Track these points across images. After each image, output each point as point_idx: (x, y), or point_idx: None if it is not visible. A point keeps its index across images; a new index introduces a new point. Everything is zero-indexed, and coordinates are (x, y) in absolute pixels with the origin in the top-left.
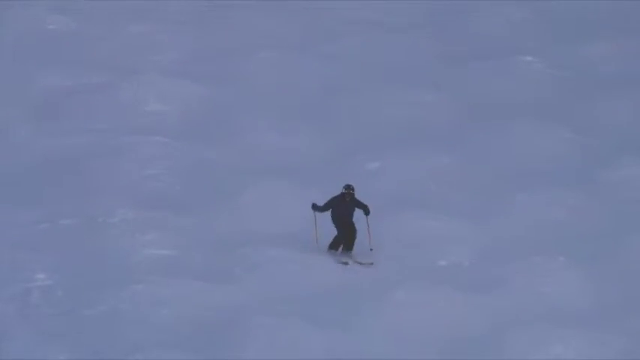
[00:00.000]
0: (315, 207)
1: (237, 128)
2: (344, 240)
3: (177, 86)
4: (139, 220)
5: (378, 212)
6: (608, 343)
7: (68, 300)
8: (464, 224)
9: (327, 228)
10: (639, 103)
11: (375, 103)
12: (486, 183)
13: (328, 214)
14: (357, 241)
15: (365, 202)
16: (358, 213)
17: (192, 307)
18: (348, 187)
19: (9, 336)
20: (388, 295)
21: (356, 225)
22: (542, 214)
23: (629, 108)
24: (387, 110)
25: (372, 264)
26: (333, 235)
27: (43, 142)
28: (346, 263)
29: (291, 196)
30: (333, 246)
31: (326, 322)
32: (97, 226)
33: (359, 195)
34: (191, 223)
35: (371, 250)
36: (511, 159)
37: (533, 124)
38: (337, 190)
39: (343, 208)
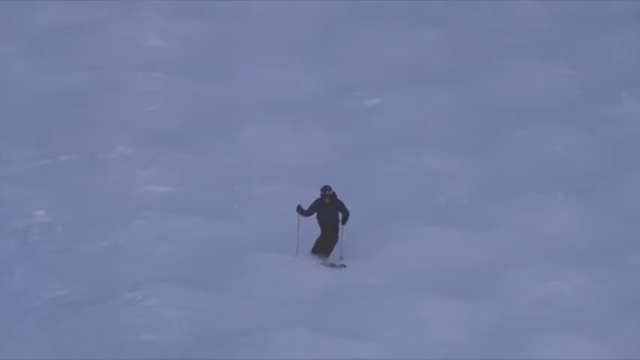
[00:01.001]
0: (300, 210)
1: (236, 64)
2: (324, 242)
3: (176, 23)
4: (138, 156)
5: (376, 151)
6: (608, 279)
7: (68, 236)
8: (463, 161)
9: (308, 232)
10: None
11: (375, 41)
12: (486, 120)
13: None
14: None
15: (347, 208)
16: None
17: (192, 242)
18: (325, 189)
19: (9, 272)
20: (388, 228)
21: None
22: (541, 151)
23: (629, 45)
24: (387, 47)
25: (344, 266)
26: (314, 240)
27: (42, 79)
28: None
29: (291, 131)
30: (316, 249)
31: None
32: (96, 163)
33: (357, 132)
34: (190, 158)
35: (341, 258)
36: (511, 96)
37: (534, 61)
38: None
39: (326, 211)
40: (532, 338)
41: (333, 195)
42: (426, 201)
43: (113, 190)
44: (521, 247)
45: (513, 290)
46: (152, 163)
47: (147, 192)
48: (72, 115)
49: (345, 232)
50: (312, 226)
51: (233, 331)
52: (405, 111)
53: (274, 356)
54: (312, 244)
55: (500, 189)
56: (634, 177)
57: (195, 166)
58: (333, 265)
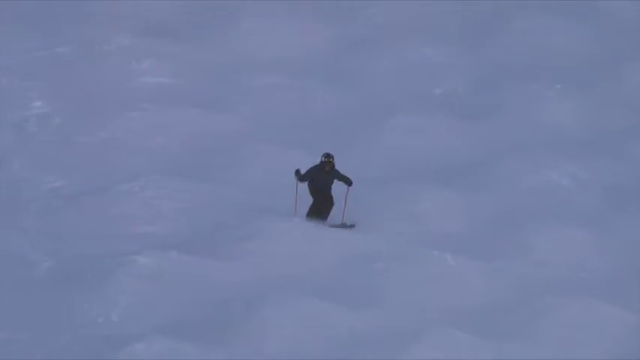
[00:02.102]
0: (297, 174)
1: None
2: (318, 209)
3: None
4: (135, 47)
5: (373, 43)
6: (605, 170)
7: (65, 127)
8: (459, 51)
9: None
10: None
11: None
12: (483, 9)
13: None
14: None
15: (347, 175)
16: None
17: (189, 134)
18: (328, 156)
19: (6, 162)
20: (383, 121)
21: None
22: (539, 41)
23: None
24: None
25: (353, 226)
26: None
27: None
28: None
29: (289, 23)
30: (310, 215)
31: (323, 147)
32: (93, 54)
33: (355, 25)
34: (187, 50)
35: (343, 224)
36: None
37: None
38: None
39: (322, 180)
40: (528, 227)
41: (333, 165)
42: (422, 92)
43: (110, 82)
44: (518, 137)
45: (510, 180)
46: (149, 55)
47: (144, 83)
48: (68, 4)
49: (348, 197)
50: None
51: (230, 222)
52: (403, 4)
53: (271, 247)
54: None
55: (498, 80)
56: (632, 68)
57: (192, 58)
58: (342, 226)
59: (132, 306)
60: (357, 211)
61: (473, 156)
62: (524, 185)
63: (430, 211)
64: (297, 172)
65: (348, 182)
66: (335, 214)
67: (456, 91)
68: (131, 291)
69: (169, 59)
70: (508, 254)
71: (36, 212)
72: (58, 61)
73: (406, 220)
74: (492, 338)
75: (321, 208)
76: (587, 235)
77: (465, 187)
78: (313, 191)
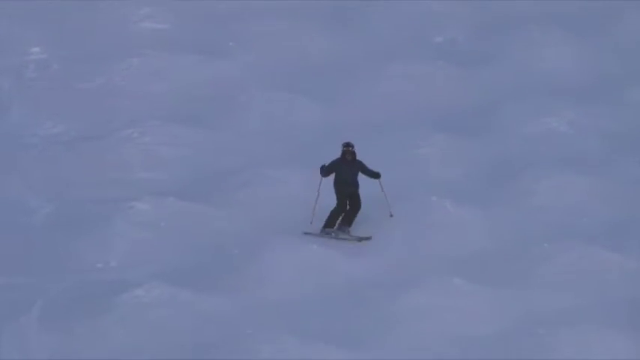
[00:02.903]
0: (322, 170)
1: None
2: (343, 212)
3: None
4: None
5: None
6: (604, 116)
7: (63, 73)
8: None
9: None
10: None
11: None
12: None
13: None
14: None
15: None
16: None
17: (189, 80)
18: (347, 145)
19: (5, 109)
20: (383, 68)
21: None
22: None
23: None
24: None
25: (369, 238)
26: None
27: None
28: (338, 236)
29: None
30: (329, 223)
31: (320, 95)
32: None
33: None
34: None
35: (391, 216)
36: None
37: None
38: None
39: (346, 171)
40: (527, 173)
41: (355, 154)
42: (422, 40)
43: (109, 28)
44: (517, 84)
45: (509, 127)
46: (149, 1)
47: (143, 29)
48: None
49: (383, 186)
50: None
51: (228, 168)
52: None
53: (270, 193)
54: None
55: (497, 27)
56: (632, 14)
57: (191, 4)
58: (358, 239)
59: (130, 252)
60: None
61: (472, 103)
62: (524, 132)
63: (429, 157)
64: (323, 167)
65: (376, 176)
66: (375, 208)
67: (455, 38)
68: (130, 237)
69: (169, 5)
70: (507, 201)
71: (35, 158)
72: (56, 7)
73: (405, 166)
74: (490, 285)
75: (347, 211)
76: (586, 181)
77: (464, 133)
78: (338, 185)
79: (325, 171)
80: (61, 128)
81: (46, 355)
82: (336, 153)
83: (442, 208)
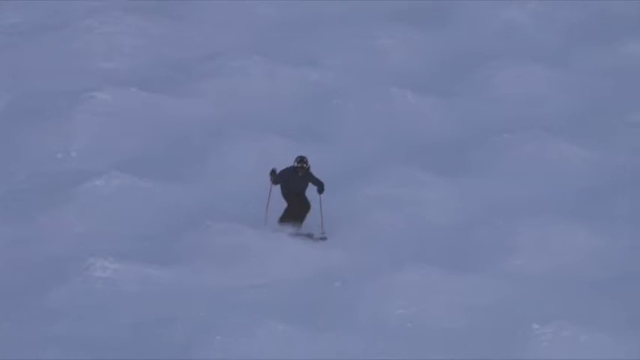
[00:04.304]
0: (272, 175)
1: None
2: (293, 214)
3: None
4: None
5: None
6: (564, 5)
7: None
8: None
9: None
10: None
11: None
12: None
13: None
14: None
15: (320, 179)
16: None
17: None
18: (302, 161)
19: None
20: None
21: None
22: None
23: None
24: None
25: (325, 238)
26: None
27: None
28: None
29: None
30: (284, 219)
31: None
32: None
33: None
34: None
35: (322, 234)
36: None
37: None
38: None
39: (295, 183)
40: (487, 64)
41: (308, 169)
42: None
43: None
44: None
45: (470, 18)
46: None
47: None
48: None
49: (322, 203)
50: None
51: (191, 59)
52: None
53: (231, 84)
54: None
55: None
56: None
57: None
58: (311, 236)
59: (91, 142)
60: (316, 44)
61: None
62: (484, 23)
63: (389, 47)
64: (273, 172)
65: (320, 188)
66: (311, 221)
67: None
68: (90, 127)
69: None
70: (467, 92)
71: None
72: None
73: (365, 55)
74: (450, 175)
75: (295, 213)
76: (546, 72)
77: (423, 25)
78: (286, 195)
79: (276, 179)
80: (19, 18)
81: (7, 244)
82: (299, 47)
83: (403, 98)
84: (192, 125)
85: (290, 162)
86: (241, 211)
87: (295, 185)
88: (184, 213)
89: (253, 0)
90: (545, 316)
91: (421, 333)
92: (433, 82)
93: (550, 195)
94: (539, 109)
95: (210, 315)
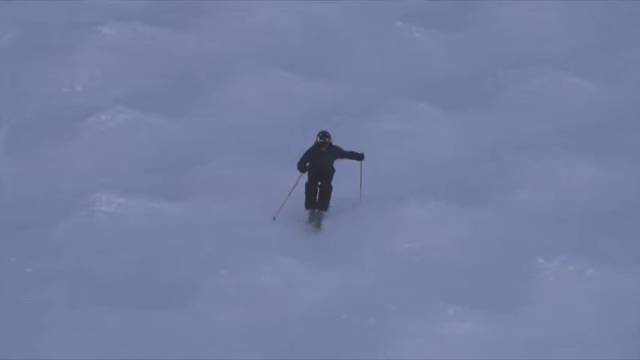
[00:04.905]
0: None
1: None
2: (314, 197)
3: None
4: None
5: None
6: None
7: None
8: None
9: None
10: None
11: None
12: None
13: None
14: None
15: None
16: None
17: None
18: (323, 135)
19: None
20: None
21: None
22: None
23: None
24: None
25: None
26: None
27: None
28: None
29: None
30: (309, 205)
31: None
32: None
33: None
34: None
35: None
36: None
37: None
38: None
39: (320, 161)
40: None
41: (331, 143)
42: None
43: None
44: None
45: None
46: None
47: None
48: None
49: (362, 171)
50: None
51: None
52: None
53: (237, 21)
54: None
55: None
56: None
57: None
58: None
59: (96, 77)
60: None
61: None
62: None
63: None
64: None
65: (358, 157)
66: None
67: None
68: (95, 62)
69: None
70: (474, 27)
71: None
72: None
73: None
74: (455, 109)
75: (322, 194)
76: (553, 6)
77: None
78: (313, 175)
79: (300, 165)
80: None
81: (12, 178)
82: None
83: (408, 33)
84: (197, 60)
85: (294, 98)
86: (247, 145)
87: (321, 163)
88: (190, 147)
89: None
90: (551, 250)
91: (427, 267)
92: (439, 18)
93: (556, 129)
94: (546, 44)
95: (216, 249)
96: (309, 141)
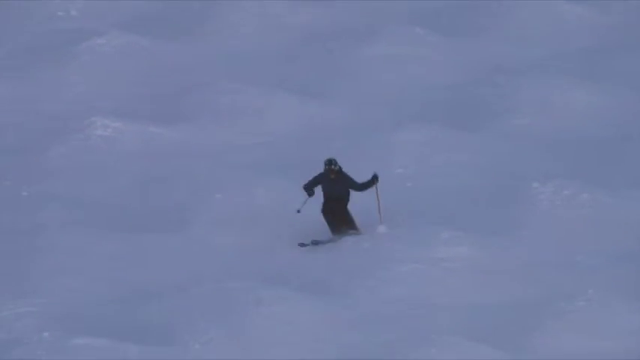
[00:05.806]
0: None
1: None
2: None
3: None
4: None
5: None
6: None
7: None
8: None
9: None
10: None
11: None
12: None
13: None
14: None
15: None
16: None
17: None
18: (329, 163)
19: None
20: None
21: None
22: None
23: None
24: None
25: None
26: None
27: None
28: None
29: None
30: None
31: None
32: None
33: None
34: None
35: (381, 225)
36: None
37: None
38: None
39: (330, 188)
40: None
41: (340, 170)
42: None
43: None
44: None
45: None
46: None
47: None
48: None
49: (378, 193)
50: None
51: None
52: None
53: None
54: None
55: None
56: None
57: None
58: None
59: (90, 1)
60: None
61: None
62: None
63: None
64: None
65: (370, 184)
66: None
67: None
68: None
69: None
70: None
71: None
72: None
73: None
74: (451, 35)
75: (341, 217)
76: None
77: None
78: (327, 200)
79: (308, 187)
80: None
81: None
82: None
83: None
84: None
85: (288, 24)
86: (243, 70)
87: (331, 189)
88: (186, 72)
89: None
90: (546, 175)
91: (420, 192)
92: None
93: (551, 55)
94: None
95: (211, 173)
96: (305, 67)
